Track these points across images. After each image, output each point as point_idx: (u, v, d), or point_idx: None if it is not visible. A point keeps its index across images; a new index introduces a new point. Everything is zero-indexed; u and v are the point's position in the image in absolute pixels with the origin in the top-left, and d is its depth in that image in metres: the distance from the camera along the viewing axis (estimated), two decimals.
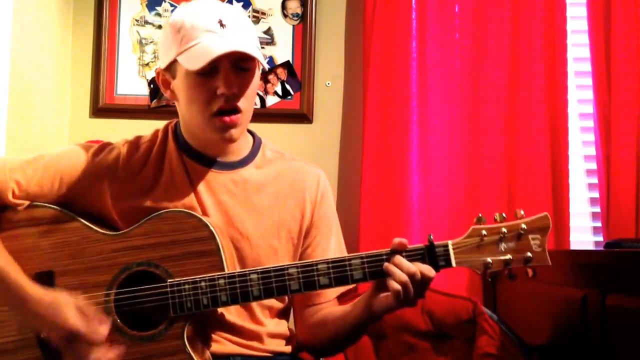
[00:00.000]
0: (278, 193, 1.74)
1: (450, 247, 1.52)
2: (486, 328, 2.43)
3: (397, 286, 1.48)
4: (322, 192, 1.80)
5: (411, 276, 1.49)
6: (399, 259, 1.51)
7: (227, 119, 1.60)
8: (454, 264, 1.52)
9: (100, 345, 1.50)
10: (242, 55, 1.59)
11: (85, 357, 1.49)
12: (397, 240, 1.53)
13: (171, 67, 1.65)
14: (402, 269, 1.49)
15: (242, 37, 1.61)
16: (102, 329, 1.51)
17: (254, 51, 1.60)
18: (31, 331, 1.58)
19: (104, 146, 1.74)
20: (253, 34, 1.68)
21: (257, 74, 1.68)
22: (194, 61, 1.57)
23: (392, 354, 2.57)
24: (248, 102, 1.65)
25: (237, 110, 1.61)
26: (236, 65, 1.61)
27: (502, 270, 1.53)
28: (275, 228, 1.72)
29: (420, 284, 1.50)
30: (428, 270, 1.50)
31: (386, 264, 1.51)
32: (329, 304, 1.77)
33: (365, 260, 1.53)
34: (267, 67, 1.70)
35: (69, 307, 1.50)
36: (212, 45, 1.56)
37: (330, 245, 1.79)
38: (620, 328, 1.90)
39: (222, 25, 1.60)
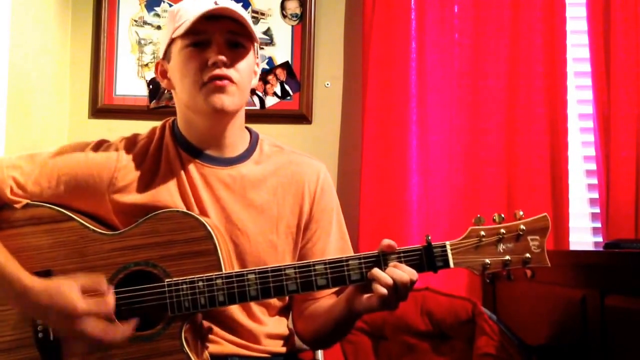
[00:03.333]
0: (277, 187, 1.74)
1: (448, 248, 1.52)
2: (485, 328, 2.43)
3: (383, 290, 1.48)
4: (322, 186, 1.79)
5: (396, 280, 1.48)
6: (377, 273, 1.50)
7: (217, 82, 1.62)
8: (451, 264, 1.52)
9: (110, 324, 1.49)
10: (231, 22, 1.63)
11: (96, 339, 1.48)
12: (385, 242, 1.53)
13: (167, 51, 1.70)
14: (387, 273, 1.49)
15: (234, 8, 1.65)
16: (109, 303, 1.50)
17: (245, 18, 1.64)
18: (30, 326, 1.57)
19: (101, 143, 1.74)
20: (248, 17, 1.69)
21: (252, 55, 1.71)
22: (183, 27, 1.61)
23: (391, 354, 2.57)
24: (241, 76, 1.66)
25: (227, 79, 1.63)
26: (229, 40, 1.65)
27: (500, 271, 1.53)
28: (273, 223, 1.71)
29: (405, 288, 1.49)
30: (411, 273, 1.49)
31: (372, 270, 1.51)
32: (327, 297, 1.77)
33: (362, 261, 1.53)
34: (258, 40, 1.73)
35: (72, 290, 1.48)
36: (202, 9, 1.61)
37: (331, 240, 1.78)
38: (620, 329, 1.90)
39: (216, 4, 1.64)
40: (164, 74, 1.74)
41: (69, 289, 1.48)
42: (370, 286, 1.51)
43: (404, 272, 1.49)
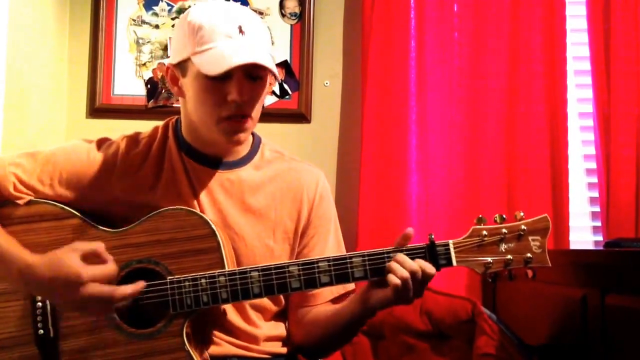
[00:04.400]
0: (275, 193, 1.74)
1: (451, 247, 1.53)
2: (485, 328, 2.42)
3: (397, 281, 1.48)
4: (320, 193, 1.79)
5: (413, 273, 1.49)
6: (401, 256, 1.51)
7: (236, 123, 1.60)
8: (454, 263, 1.53)
9: (112, 285, 1.47)
10: (257, 65, 1.58)
11: (102, 301, 1.46)
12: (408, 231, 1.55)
13: (182, 64, 1.64)
14: (404, 266, 1.49)
15: (259, 46, 1.60)
16: (113, 267, 1.49)
17: (269, 62, 1.58)
18: (30, 323, 1.57)
19: (103, 141, 1.74)
20: (268, 42, 1.68)
21: (268, 82, 1.68)
22: (209, 66, 1.55)
23: (390, 354, 2.56)
24: (257, 109, 1.65)
25: (246, 116, 1.61)
26: (249, 74, 1.60)
27: (502, 270, 1.54)
28: (270, 228, 1.72)
29: (420, 281, 1.50)
30: (429, 268, 1.51)
31: (390, 262, 1.51)
32: (324, 305, 1.76)
33: (366, 258, 1.53)
34: (279, 79, 1.70)
35: (74, 259, 1.46)
36: (230, 52, 1.55)
37: (328, 247, 1.78)
38: (620, 328, 1.89)
39: (241, 31, 1.58)
40: (175, 80, 1.69)
41: (70, 259, 1.47)
42: (382, 282, 1.52)
43: (415, 264, 1.50)
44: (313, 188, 1.79)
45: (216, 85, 1.58)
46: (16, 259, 1.53)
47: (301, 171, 1.80)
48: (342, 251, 1.82)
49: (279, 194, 1.74)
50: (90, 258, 1.48)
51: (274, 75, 1.63)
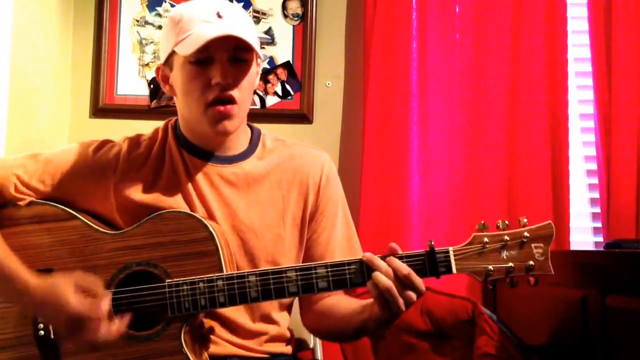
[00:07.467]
0: (281, 181, 1.74)
1: (451, 254, 1.51)
2: (485, 328, 2.42)
3: (381, 287, 1.46)
4: (326, 176, 1.79)
5: (391, 276, 1.47)
6: (376, 260, 1.50)
7: (221, 108, 1.61)
8: (454, 270, 1.50)
9: (102, 323, 1.48)
10: (236, 40, 1.60)
11: (89, 338, 1.48)
12: (392, 245, 1.52)
13: (169, 60, 1.68)
14: (381, 271, 1.48)
15: (238, 25, 1.62)
16: (103, 305, 1.49)
17: (249, 38, 1.61)
18: (30, 324, 1.58)
19: (104, 143, 1.74)
20: (251, 27, 1.69)
21: (254, 67, 1.69)
22: (188, 47, 1.58)
23: (391, 354, 2.57)
24: (244, 95, 1.65)
25: (231, 101, 1.62)
26: (232, 57, 1.62)
27: (503, 278, 1.51)
28: (280, 217, 1.72)
29: (402, 284, 1.47)
30: (402, 267, 1.47)
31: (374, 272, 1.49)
32: (334, 294, 1.76)
33: (364, 264, 1.52)
34: (261, 56, 1.70)
35: (67, 287, 1.48)
36: (207, 31, 1.58)
37: (337, 229, 1.78)
38: (621, 329, 1.90)
39: (219, 16, 1.61)
40: (165, 79, 1.72)
41: (63, 287, 1.48)
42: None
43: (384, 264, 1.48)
44: (318, 172, 1.78)
45: (200, 71, 1.61)
46: (14, 277, 1.54)
47: (305, 156, 1.80)
48: (352, 232, 1.82)
49: (285, 181, 1.74)
50: (85, 291, 1.49)
51: (258, 55, 1.65)
